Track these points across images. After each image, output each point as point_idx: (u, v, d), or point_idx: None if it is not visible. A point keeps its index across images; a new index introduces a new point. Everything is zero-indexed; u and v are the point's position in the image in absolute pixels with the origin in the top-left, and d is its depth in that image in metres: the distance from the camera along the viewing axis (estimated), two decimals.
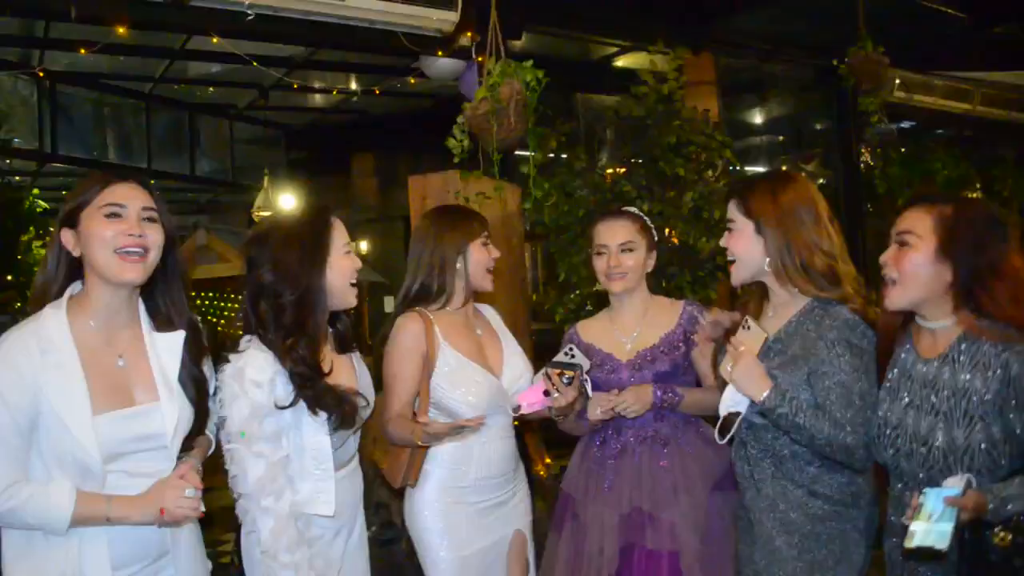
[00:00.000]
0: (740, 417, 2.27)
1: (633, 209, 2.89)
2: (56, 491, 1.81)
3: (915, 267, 1.94)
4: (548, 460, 4.28)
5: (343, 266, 2.29)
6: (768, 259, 2.25)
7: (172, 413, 1.97)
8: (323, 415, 2.16)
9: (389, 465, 2.58)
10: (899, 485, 2.06)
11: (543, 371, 2.54)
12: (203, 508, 1.92)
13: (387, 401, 2.54)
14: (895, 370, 2.07)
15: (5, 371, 1.81)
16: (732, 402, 2.25)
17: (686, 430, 2.71)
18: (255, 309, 2.21)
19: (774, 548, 2.26)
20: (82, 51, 4.73)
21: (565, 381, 2.47)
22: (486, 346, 2.69)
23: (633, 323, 2.79)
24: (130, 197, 1.94)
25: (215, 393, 2.15)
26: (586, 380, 2.55)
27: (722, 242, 2.38)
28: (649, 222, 2.83)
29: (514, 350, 2.76)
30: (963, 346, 1.93)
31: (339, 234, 2.31)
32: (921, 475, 1.96)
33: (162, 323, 2.05)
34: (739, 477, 2.39)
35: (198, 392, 2.06)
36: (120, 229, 1.90)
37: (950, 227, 1.92)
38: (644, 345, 2.74)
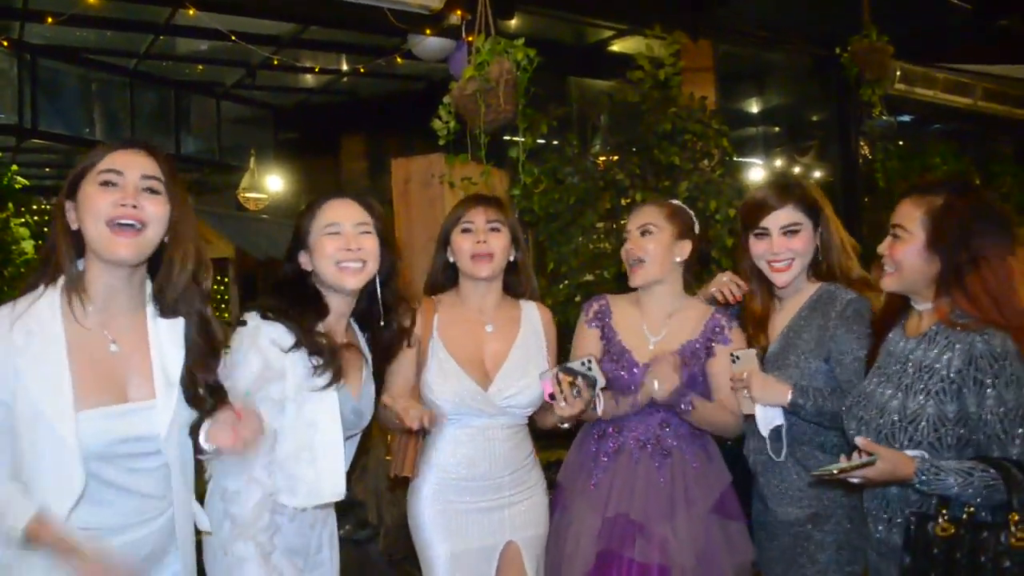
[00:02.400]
0: (784, 428, 2.39)
1: (675, 200, 2.73)
2: (16, 503, 1.64)
3: (905, 258, 2.05)
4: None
5: (323, 248, 2.18)
6: (821, 253, 2.49)
7: (167, 412, 1.77)
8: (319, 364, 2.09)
9: (392, 455, 2.52)
10: None
11: (553, 372, 2.37)
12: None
13: (387, 382, 2.47)
14: (884, 350, 2.19)
15: None
16: (768, 419, 2.38)
17: (691, 442, 2.56)
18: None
19: (791, 531, 2.42)
20: (49, 20, 4.53)
21: (575, 393, 2.31)
22: (490, 346, 2.53)
23: (661, 319, 2.61)
24: (129, 164, 1.74)
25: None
26: (598, 396, 2.38)
27: (777, 246, 2.45)
28: (686, 209, 2.66)
29: (523, 360, 2.52)
30: (942, 327, 2.03)
31: (323, 215, 2.21)
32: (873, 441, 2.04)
33: (167, 311, 1.84)
34: (754, 465, 2.53)
35: (212, 394, 1.87)
36: (114, 199, 1.70)
37: (937, 222, 2.01)
38: (665, 350, 2.54)
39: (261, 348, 2.04)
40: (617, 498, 2.50)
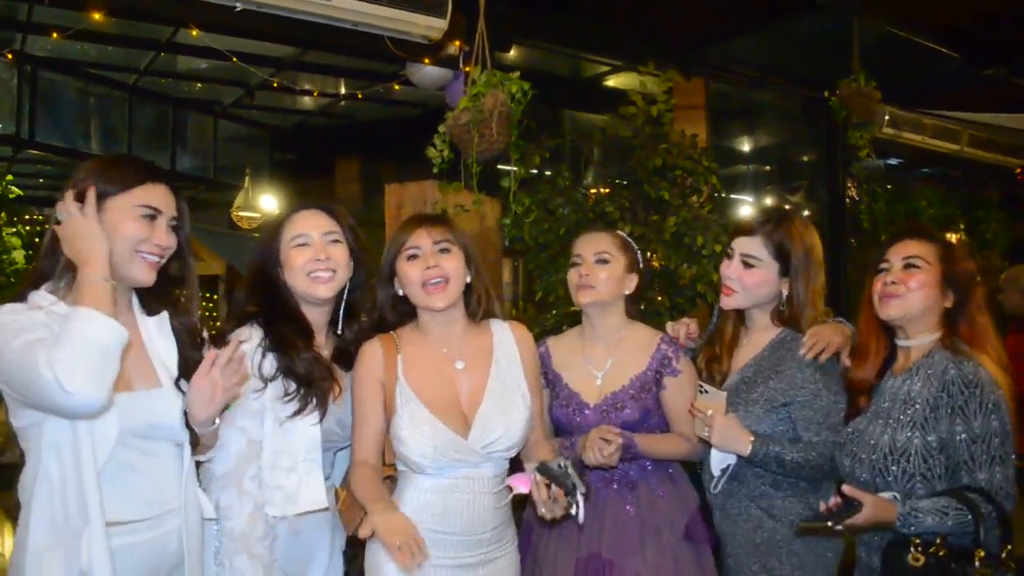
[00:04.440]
0: (729, 468, 2.40)
1: (620, 231, 2.74)
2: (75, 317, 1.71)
3: (924, 286, 2.14)
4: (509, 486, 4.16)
5: (292, 261, 2.24)
6: (784, 300, 2.43)
7: (176, 399, 1.94)
8: (292, 391, 2.11)
9: (346, 506, 2.26)
10: None
11: (531, 473, 2.10)
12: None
13: (353, 442, 2.26)
14: (876, 390, 2.25)
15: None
16: (720, 459, 2.38)
17: (656, 471, 2.54)
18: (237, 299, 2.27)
19: (740, 565, 2.41)
20: (54, 35, 4.59)
21: (551, 498, 2.02)
22: (463, 386, 2.26)
23: (605, 352, 2.59)
24: (165, 205, 1.95)
25: None
26: (578, 504, 2.01)
27: (730, 271, 2.45)
28: (633, 243, 2.68)
29: (502, 396, 2.26)
30: (924, 360, 2.13)
31: (290, 228, 2.27)
32: (867, 479, 2.13)
33: (152, 311, 2.04)
34: (710, 499, 2.51)
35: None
36: (150, 234, 1.91)
37: (951, 260, 2.16)
38: (613, 387, 2.53)
39: None
40: (588, 537, 2.44)
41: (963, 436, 1.99)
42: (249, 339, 2.13)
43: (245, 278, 2.29)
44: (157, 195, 1.93)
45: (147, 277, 1.93)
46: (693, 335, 2.64)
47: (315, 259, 2.23)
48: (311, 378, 2.14)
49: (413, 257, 2.26)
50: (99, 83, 7.84)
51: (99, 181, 1.88)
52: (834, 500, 1.93)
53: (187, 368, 1.99)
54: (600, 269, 2.54)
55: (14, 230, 7.21)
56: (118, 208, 1.88)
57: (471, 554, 2.21)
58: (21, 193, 7.34)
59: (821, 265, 2.45)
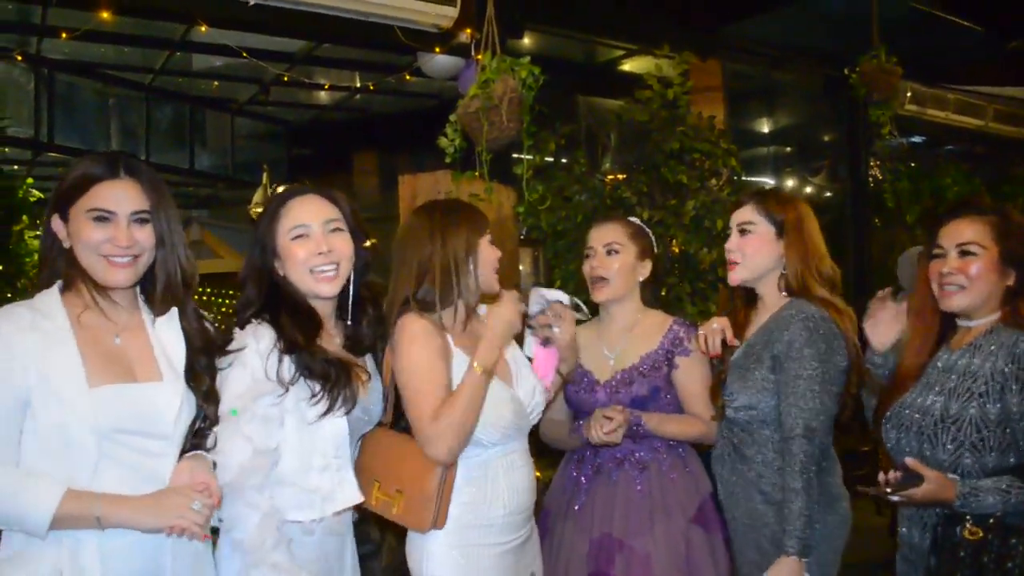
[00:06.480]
0: None
1: (633, 218, 2.75)
2: (44, 484, 1.69)
3: (982, 273, 2.09)
4: (537, 474, 4.14)
5: (293, 254, 2.09)
6: (785, 263, 2.40)
7: (175, 394, 1.84)
8: (319, 391, 2.00)
9: (407, 504, 2.07)
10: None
11: (528, 333, 2.31)
12: (207, 531, 1.81)
13: (421, 404, 2.08)
14: (930, 365, 2.20)
15: None
16: None
17: (668, 453, 2.55)
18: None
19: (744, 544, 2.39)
20: (63, 35, 4.60)
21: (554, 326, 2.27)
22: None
23: (619, 336, 2.63)
24: (120, 201, 1.82)
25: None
26: (579, 304, 2.34)
27: (730, 244, 2.46)
28: (646, 229, 2.69)
29: (523, 362, 2.32)
30: (987, 336, 2.09)
31: (287, 220, 2.11)
32: (914, 447, 2.10)
33: (159, 311, 1.93)
34: (716, 472, 2.51)
35: (211, 380, 1.93)
36: (107, 236, 1.81)
37: (1008, 236, 2.10)
38: (624, 364, 2.58)
39: (247, 363, 1.97)
40: (600, 518, 2.49)
41: None
42: (260, 339, 2.01)
43: (244, 270, 2.15)
44: (108, 195, 1.82)
45: (120, 278, 1.84)
46: (726, 338, 2.47)
47: (317, 252, 2.10)
48: (337, 374, 2.04)
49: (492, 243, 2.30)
50: (116, 84, 7.87)
51: (62, 190, 1.84)
52: (894, 473, 1.93)
53: (192, 367, 1.91)
54: (611, 260, 2.59)
55: (36, 233, 7.23)
56: (75, 216, 1.82)
57: (525, 530, 2.25)
58: (42, 196, 7.35)
59: (818, 232, 2.46)
